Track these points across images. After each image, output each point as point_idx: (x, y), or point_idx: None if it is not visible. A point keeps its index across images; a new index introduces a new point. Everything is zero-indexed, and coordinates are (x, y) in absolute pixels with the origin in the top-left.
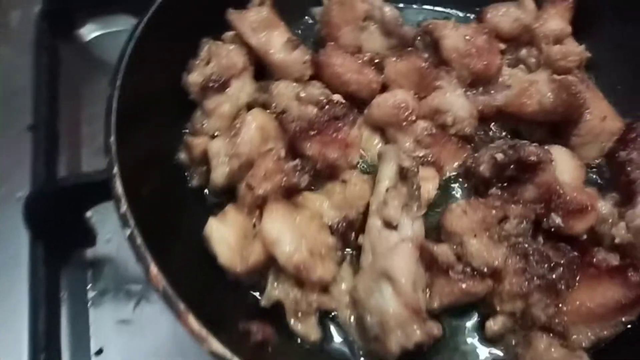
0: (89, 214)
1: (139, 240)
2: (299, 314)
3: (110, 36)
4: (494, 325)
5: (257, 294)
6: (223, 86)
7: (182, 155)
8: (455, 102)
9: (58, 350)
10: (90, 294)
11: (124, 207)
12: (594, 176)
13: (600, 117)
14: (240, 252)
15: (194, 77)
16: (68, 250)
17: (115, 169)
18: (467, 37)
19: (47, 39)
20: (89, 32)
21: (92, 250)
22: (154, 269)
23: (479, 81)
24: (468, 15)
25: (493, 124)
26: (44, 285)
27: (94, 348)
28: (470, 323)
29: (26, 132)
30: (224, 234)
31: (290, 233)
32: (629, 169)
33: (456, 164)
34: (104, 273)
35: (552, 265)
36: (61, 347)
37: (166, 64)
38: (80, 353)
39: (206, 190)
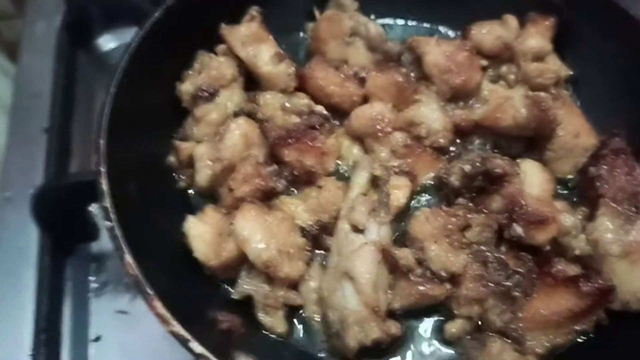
0: (95, 210)
1: (118, 233)
2: (267, 308)
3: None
4: (452, 327)
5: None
6: (212, 95)
7: (171, 158)
8: (430, 115)
9: (59, 333)
10: (92, 285)
11: (107, 202)
12: (568, 191)
13: (574, 133)
14: (215, 248)
15: (186, 87)
16: (73, 243)
17: (102, 168)
18: (448, 54)
19: (66, 48)
20: (106, 43)
21: (97, 245)
22: (128, 258)
23: (458, 96)
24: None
25: (475, 137)
26: (49, 274)
27: (92, 335)
28: (430, 325)
29: (42, 133)
30: (201, 231)
31: (260, 232)
32: (597, 184)
33: (430, 174)
34: (106, 266)
35: (509, 273)
36: (62, 332)
37: (162, 74)
38: (79, 339)
39: (191, 191)
